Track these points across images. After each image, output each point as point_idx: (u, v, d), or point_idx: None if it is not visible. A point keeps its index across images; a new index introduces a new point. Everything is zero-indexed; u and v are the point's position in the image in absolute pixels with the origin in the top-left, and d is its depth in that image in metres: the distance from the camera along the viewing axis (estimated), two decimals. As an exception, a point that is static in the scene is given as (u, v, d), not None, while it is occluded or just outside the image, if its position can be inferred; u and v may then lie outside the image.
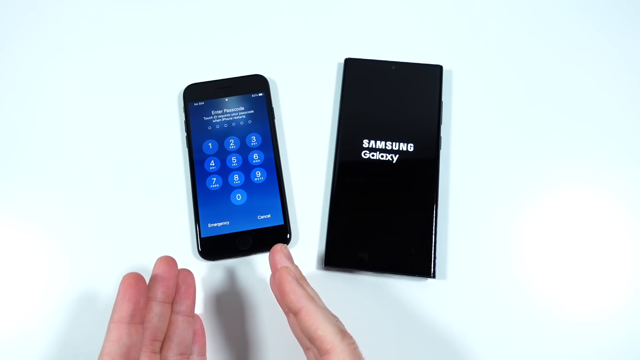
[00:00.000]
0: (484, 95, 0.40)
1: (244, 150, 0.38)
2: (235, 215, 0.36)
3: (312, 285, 0.29)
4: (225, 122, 0.39)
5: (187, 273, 0.32)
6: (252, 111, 0.39)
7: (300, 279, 0.28)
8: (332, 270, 0.36)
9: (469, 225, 0.37)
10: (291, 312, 0.27)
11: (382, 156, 0.37)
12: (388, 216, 0.36)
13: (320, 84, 0.41)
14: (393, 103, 0.39)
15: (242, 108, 0.39)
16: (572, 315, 0.34)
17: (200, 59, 0.42)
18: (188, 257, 0.36)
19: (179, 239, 0.37)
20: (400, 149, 0.37)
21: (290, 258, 0.30)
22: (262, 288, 0.35)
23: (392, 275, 0.35)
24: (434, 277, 0.34)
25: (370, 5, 0.43)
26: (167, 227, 0.37)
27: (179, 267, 0.31)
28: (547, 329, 0.34)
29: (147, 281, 0.29)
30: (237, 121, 0.39)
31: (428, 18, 0.43)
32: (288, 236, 0.36)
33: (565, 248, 0.36)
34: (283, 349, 0.34)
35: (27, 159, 0.39)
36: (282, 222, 0.36)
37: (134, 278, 0.27)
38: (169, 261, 0.30)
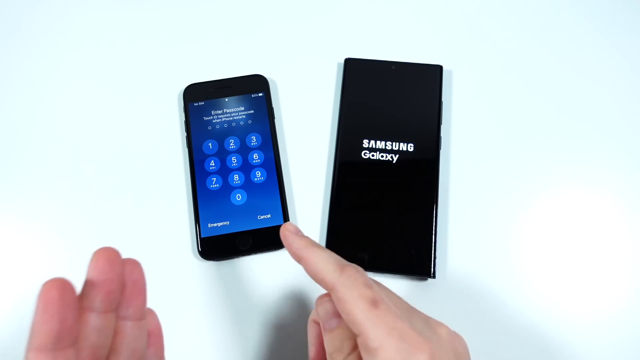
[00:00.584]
0: (484, 95, 0.40)
1: (244, 150, 0.38)
2: (235, 215, 0.36)
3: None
4: (225, 122, 0.39)
5: (133, 265, 0.24)
6: (252, 111, 0.39)
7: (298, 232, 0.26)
8: (332, 270, 0.36)
9: (469, 226, 0.37)
10: (301, 265, 0.25)
11: (382, 156, 0.37)
12: (388, 216, 0.36)
13: (320, 84, 0.41)
14: (393, 103, 0.39)
15: (242, 108, 0.39)
16: (572, 315, 0.34)
17: (200, 59, 0.42)
18: (188, 257, 0.36)
19: (179, 239, 0.37)
20: (400, 149, 0.37)
21: (297, 231, 0.27)
22: (262, 288, 0.35)
23: (392, 275, 0.35)
24: (434, 277, 0.34)
25: (370, 5, 0.43)
26: (167, 227, 0.37)
27: (133, 261, 0.24)
28: (547, 329, 0.34)
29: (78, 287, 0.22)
30: (237, 121, 0.39)
31: (428, 18, 0.43)
32: (288, 236, 0.36)
33: (566, 248, 0.36)
34: (283, 349, 0.34)
35: (27, 159, 0.39)
36: (282, 222, 0.36)
37: (58, 287, 0.20)
38: (108, 256, 0.23)
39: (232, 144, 0.38)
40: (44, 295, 0.20)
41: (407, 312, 0.24)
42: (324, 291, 0.25)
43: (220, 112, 0.39)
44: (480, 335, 0.34)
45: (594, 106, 0.40)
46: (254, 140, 0.38)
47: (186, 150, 0.38)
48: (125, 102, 0.41)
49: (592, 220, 0.37)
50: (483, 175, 0.38)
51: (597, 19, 0.42)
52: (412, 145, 0.37)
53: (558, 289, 0.35)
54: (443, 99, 0.40)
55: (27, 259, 0.36)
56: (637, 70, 0.41)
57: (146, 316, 0.25)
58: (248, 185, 0.37)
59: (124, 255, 0.23)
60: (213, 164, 0.38)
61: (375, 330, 0.21)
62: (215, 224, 0.36)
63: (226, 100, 0.39)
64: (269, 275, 0.36)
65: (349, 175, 0.37)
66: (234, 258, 0.36)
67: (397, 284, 0.35)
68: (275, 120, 0.39)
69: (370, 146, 0.38)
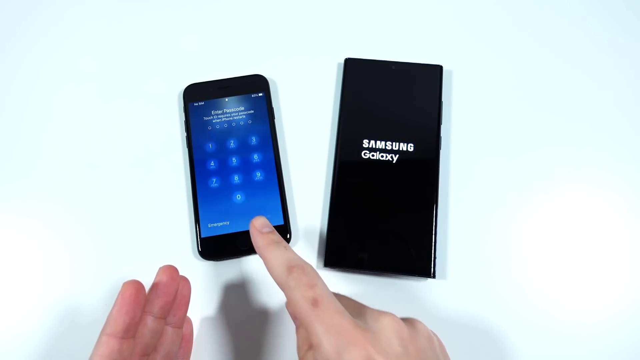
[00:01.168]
0: (484, 95, 0.40)
1: (244, 150, 0.38)
2: (235, 215, 0.36)
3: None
4: (225, 122, 0.39)
5: (185, 283, 0.31)
6: (252, 111, 0.39)
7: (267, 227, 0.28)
8: (332, 270, 0.36)
9: (469, 225, 0.37)
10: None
11: (382, 156, 0.37)
12: (388, 216, 0.36)
13: (320, 84, 0.41)
14: (393, 103, 0.39)
15: (242, 108, 0.39)
16: (572, 315, 0.34)
17: (200, 59, 0.42)
18: (188, 257, 0.36)
19: (179, 238, 0.37)
20: (400, 149, 0.37)
21: (264, 226, 0.28)
22: (262, 288, 0.35)
23: (392, 275, 0.35)
24: (434, 277, 0.34)
25: (370, 6, 0.43)
26: (167, 227, 0.37)
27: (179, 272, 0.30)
28: (547, 329, 0.34)
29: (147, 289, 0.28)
30: (237, 121, 0.39)
31: (428, 18, 0.43)
32: (288, 236, 0.36)
33: (566, 248, 0.36)
34: (283, 349, 0.34)
35: (27, 159, 0.39)
36: (282, 222, 0.36)
37: (135, 289, 0.25)
38: (172, 273, 0.29)
39: (232, 144, 0.38)
40: (124, 293, 0.25)
41: (354, 309, 0.25)
42: None
43: (220, 112, 0.39)
44: (480, 334, 0.34)
45: (594, 106, 0.40)
46: (253, 140, 0.38)
47: (186, 150, 0.38)
48: (126, 102, 0.41)
49: (592, 220, 0.37)
50: (483, 175, 0.38)
51: (597, 19, 0.42)
52: (412, 145, 0.37)
53: (558, 289, 0.35)
54: (443, 99, 0.40)
55: (27, 259, 0.36)
56: (637, 71, 0.41)
57: (184, 324, 0.30)
58: (248, 185, 0.37)
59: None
60: (213, 164, 0.38)
61: (315, 327, 0.22)
62: (215, 224, 0.36)
63: (226, 100, 0.39)
64: (269, 275, 0.36)
65: (349, 175, 0.37)
66: (234, 258, 0.36)
67: (397, 284, 0.35)
68: (275, 120, 0.39)
69: (370, 146, 0.38)
